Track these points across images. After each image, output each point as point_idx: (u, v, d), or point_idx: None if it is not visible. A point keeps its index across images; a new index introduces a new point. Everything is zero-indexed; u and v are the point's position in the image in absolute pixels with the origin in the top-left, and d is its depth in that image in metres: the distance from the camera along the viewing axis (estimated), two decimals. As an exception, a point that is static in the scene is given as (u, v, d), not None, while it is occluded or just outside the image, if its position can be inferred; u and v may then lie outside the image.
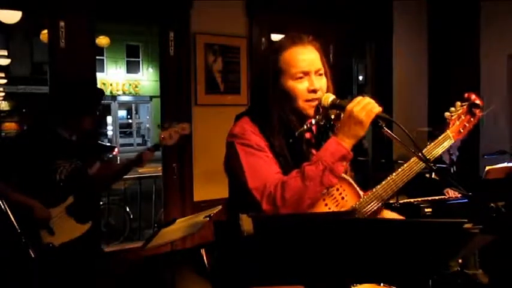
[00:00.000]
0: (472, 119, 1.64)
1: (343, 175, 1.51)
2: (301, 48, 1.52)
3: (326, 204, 1.51)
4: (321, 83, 1.52)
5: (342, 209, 1.53)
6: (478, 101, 1.63)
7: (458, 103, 1.65)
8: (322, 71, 1.54)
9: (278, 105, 1.51)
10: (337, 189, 1.52)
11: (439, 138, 1.61)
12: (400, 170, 1.54)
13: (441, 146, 1.60)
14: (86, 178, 2.65)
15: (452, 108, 1.66)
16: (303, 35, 1.56)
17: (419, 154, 1.44)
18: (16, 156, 2.45)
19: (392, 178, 1.54)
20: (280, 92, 1.51)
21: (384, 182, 1.54)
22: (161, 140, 2.75)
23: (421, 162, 1.52)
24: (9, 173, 2.43)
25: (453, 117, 1.64)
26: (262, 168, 1.45)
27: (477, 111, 1.63)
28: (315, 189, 1.39)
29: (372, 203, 1.52)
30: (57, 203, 2.47)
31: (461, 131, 1.64)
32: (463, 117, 1.64)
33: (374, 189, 1.54)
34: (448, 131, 1.62)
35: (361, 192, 1.54)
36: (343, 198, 1.53)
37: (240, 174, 1.46)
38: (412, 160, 1.54)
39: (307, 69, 1.50)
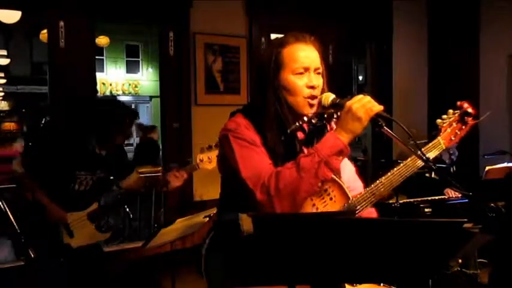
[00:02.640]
0: (463, 127, 1.63)
1: (333, 176, 1.51)
2: (303, 45, 1.54)
3: (314, 205, 1.51)
4: (319, 81, 1.54)
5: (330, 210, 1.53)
6: (470, 110, 1.63)
7: (451, 111, 1.66)
8: (320, 71, 1.55)
9: (276, 98, 1.52)
10: (326, 190, 1.51)
11: (429, 144, 1.61)
12: (389, 173, 1.55)
13: (431, 152, 1.60)
14: (111, 190, 2.72)
15: (444, 116, 1.66)
16: (306, 33, 1.58)
17: (419, 153, 1.44)
18: (43, 156, 2.55)
19: (382, 181, 1.54)
20: (279, 85, 1.52)
21: (372, 186, 1.55)
22: (199, 162, 2.58)
23: (409, 167, 1.53)
24: (39, 168, 2.52)
25: (445, 125, 1.64)
26: (256, 159, 1.46)
27: (469, 119, 1.62)
28: (309, 181, 1.38)
29: (364, 203, 1.53)
30: (80, 208, 2.55)
31: (453, 138, 1.64)
32: (454, 124, 1.64)
33: (364, 191, 1.55)
34: (439, 138, 1.62)
35: (350, 194, 1.54)
36: (331, 199, 1.53)
37: (234, 164, 1.47)
38: (402, 165, 1.54)
39: (307, 65, 1.51)
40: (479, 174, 3.36)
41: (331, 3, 4.26)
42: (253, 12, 3.93)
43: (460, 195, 3.33)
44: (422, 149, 1.56)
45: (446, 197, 3.48)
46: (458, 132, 1.63)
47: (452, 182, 3.19)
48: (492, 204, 1.71)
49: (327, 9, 4.22)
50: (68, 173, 2.52)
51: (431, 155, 1.59)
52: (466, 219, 1.04)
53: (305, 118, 1.53)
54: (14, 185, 2.57)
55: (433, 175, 3.46)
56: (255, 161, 1.46)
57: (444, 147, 1.62)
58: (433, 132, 1.67)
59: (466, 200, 3.19)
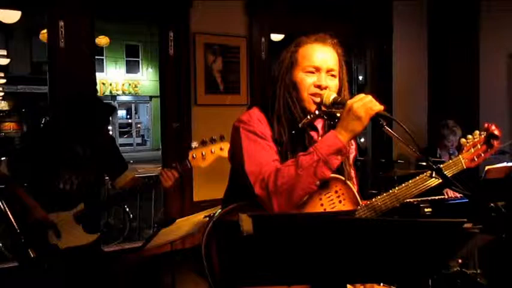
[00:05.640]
0: (488, 150, 1.60)
1: (347, 182, 1.51)
2: (320, 45, 1.57)
3: (322, 205, 1.51)
4: (330, 83, 1.54)
5: None
6: (496, 132, 1.59)
7: (477, 132, 1.63)
8: (334, 73, 1.56)
9: (286, 94, 1.55)
10: (336, 192, 1.52)
11: (450, 162, 1.59)
12: (404, 185, 1.54)
13: (450, 169, 1.57)
14: (96, 191, 2.67)
15: (470, 136, 1.63)
16: (328, 36, 1.61)
17: (419, 153, 1.44)
18: (27, 156, 2.54)
19: (394, 192, 1.54)
20: (289, 81, 1.55)
21: (385, 194, 1.54)
22: (191, 159, 2.33)
23: (426, 181, 1.52)
24: (21, 170, 2.51)
25: (469, 144, 1.61)
26: (261, 154, 1.48)
27: (495, 142, 1.59)
28: (307, 179, 1.39)
29: (368, 214, 1.53)
30: (66, 208, 2.50)
31: (475, 159, 1.61)
32: (479, 146, 1.61)
33: (374, 200, 1.55)
34: (460, 156, 1.60)
35: (360, 201, 1.54)
36: (340, 201, 1.53)
37: (239, 157, 1.50)
38: (418, 178, 1.54)
39: (318, 64, 1.53)
40: (479, 174, 3.35)
41: (331, 3, 4.26)
42: (253, 12, 3.93)
43: (460, 195, 3.33)
44: (442, 166, 1.56)
45: (446, 197, 3.47)
46: (482, 155, 1.61)
47: (452, 182, 3.20)
48: (492, 204, 1.70)
49: (327, 9, 4.21)
50: (53, 172, 2.49)
51: (449, 172, 1.56)
52: (466, 219, 1.04)
53: (316, 112, 1.53)
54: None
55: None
56: (261, 156, 1.48)
57: (465, 167, 1.59)
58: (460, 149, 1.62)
59: (466, 200, 3.18)
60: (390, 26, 4.74)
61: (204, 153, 2.30)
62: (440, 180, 1.47)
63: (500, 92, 4.69)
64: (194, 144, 2.35)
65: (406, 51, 4.87)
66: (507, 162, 3.52)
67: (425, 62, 5.06)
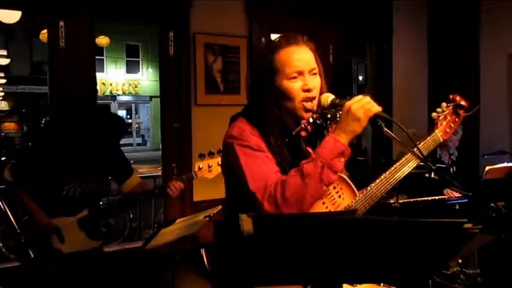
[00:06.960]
0: (457, 120, 1.71)
1: (341, 174, 1.51)
2: (295, 47, 1.52)
3: (324, 203, 1.52)
4: (315, 82, 1.53)
5: (339, 207, 1.54)
6: (462, 102, 1.70)
7: (444, 104, 1.72)
8: (316, 71, 1.54)
9: (274, 104, 1.52)
10: (334, 188, 1.53)
11: (428, 138, 1.66)
12: (392, 168, 1.57)
13: (430, 146, 1.65)
14: (100, 198, 2.68)
15: (439, 109, 1.72)
16: (298, 35, 1.56)
17: (419, 153, 1.45)
18: (31, 161, 2.54)
19: (385, 176, 1.56)
20: (275, 91, 1.51)
21: (377, 181, 1.56)
22: (197, 170, 2.41)
23: (411, 160, 1.56)
24: (26, 175, 2.50)
25: (440, 118, 1.70)
26: (262, 168, 1.45)
27: (461, 112, 1.70)
28: (315, 187, 1.38)
29: (366, 202, 1.54)
30: (70, 213, 2.50)
31: (448, 131, 1.71)
32: (449, 117, 1.71)
33: (369, 188, 1.56)
34: (436, 131, 1.68)
35: (356, 191, 1.56)
36: (340, 196, 1.54)
37: (241, 175, 1.45)
38: (403, 158, 1.58)
39: (301, 68, 1.50)
40: (479, 174, 3.35)
41: (331, 3, 4.26)
42: (253, 12, 3.93)
43: (460, 195, 3.33)
44: (421, 143, 1.63)
45: (446, 197, 3.48)
46: (453, 125, 1.71)
47: (452, 182, 3.21)
48: (492, 204, 1.73)
49: (327, 9, 4.22)
50: (58, 177, 2.49)
51: (429, 148, 1.64)
52: (466, 219, 1.05)
53: (310, 119, 1.53)
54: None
55: (432, 175, 3.46)
56: (261, 170, 1.44)
57: (441, 140, 1.68)
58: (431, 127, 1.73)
59: (466, 200, 3.19)
60: (390, 26, 4.74)
61: (210, 165, 2.35)
62: (418, 161, 1.55)
63: (500, 92, 4.69)
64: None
65: (406, 51, 4.87)
66: (507, 162, 3.52)
67: (426, 62, 5.06)
